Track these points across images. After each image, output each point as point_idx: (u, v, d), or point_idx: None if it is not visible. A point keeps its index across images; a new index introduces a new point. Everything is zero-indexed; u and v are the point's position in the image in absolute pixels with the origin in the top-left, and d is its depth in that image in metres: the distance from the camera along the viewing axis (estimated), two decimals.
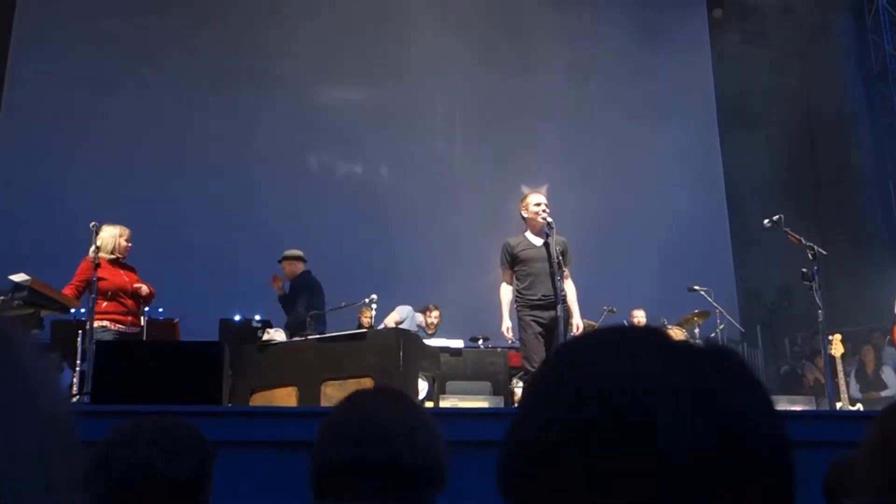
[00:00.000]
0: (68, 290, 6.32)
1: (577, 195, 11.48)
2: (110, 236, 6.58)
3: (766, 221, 6.73)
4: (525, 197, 6.57)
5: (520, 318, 6.29)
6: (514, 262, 6.36)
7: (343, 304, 7.66)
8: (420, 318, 8.91)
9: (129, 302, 6.63)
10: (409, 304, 9.16)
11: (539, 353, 6.12)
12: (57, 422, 0.56)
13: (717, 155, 12.92)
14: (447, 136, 12.60)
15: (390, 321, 8.26)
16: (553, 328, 6.12)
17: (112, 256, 6.58)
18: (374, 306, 7.52)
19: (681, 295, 9.23)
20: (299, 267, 7.89)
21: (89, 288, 6.40)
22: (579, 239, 9.21)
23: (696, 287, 9.08)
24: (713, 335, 9.23)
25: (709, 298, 9.13)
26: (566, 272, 6.34)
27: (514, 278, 6.38)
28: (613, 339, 0.65)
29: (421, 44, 12.19)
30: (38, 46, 11.44)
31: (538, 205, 6.39)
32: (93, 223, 6.37)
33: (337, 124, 12.01)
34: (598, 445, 0.57)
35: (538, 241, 6.37)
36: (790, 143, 12.85)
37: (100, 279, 6.37)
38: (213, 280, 10.56)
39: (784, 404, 7.77)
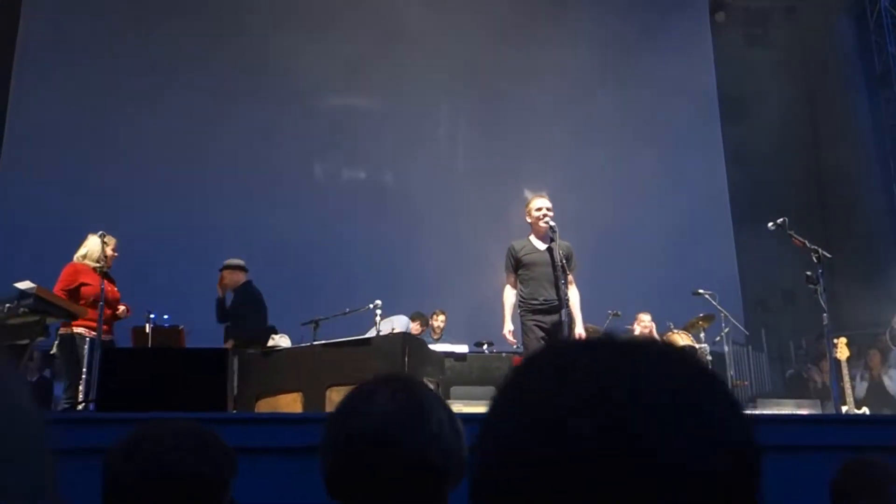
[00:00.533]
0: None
1: (581, 199, 11.47)
2: (97, 245, 6.60)
3: (770, 224, 6.73)
4: (529, 202, 6.60)
5: (522, 323, 6.33)
6: (517, 266, 6.40)
7: (347, 310, 7.66)
8: (411, 325, 8.91)
9: (108, 311, 6.65)
10: (415, 309, 9.18)
11: None
12: (31, 427, 0.56)
13: (720, 158, 12.92)
14: (450, 142, 12.61)
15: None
16: (555, 332, 6.16)
17: (97, 265, 6.60)
18: (378, 312, 7.52)
19: (685, 299, 9.22)
20: (241, 277, 7.65)
21: (74, 294, 6.44)
22: (583, 243, 9.20)
23: (701, 291, 9.07)
24: (718, 339, 9.22)
25: (713, 302, 9.12)
26: (570, 278, 6.36)
27: (518, 282, 6.41)
28: (580, 349, 0.65)
29: (424, 51, 12.21)
30: (48, 54, 11.48)
31: (539, 209, 6.43)
32: (100, 232, 6.39)
33: (341, 132, 12.04)
34: (578, 456, 0.56)
35: (542, 246, 6.41)
36: (794, 145, 12.84)
37: (83, 285, 6.42)
38: (216, 286, 10.56)
39: (790, 408, 7.77)
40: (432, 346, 7.69)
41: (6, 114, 11.31)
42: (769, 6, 13.31)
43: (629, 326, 9.09)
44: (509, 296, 6.45)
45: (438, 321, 9.32)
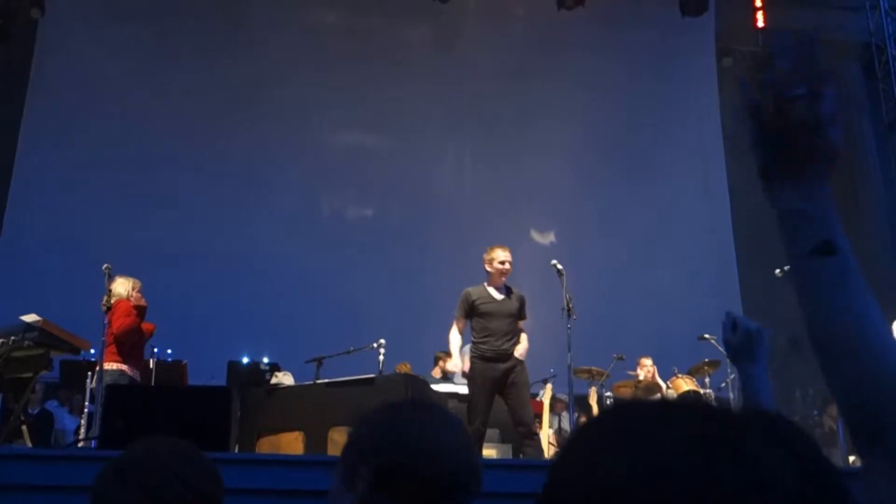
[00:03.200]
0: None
1: (587, 241, 11.51)
2: (122, 288, 6.62)
3: (777, 271, 6.74)
4: (490, 250, 6.56)
5: (471, 370, 6.29)
6: (471, 313, 6.36)
7: (351, 348, 7.63)
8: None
9: (139, 348, 6.71)
10: (420, 348, 9.17)
11: (481, 413, 6.14)
12: None
13: (726, 202, 12.92)
14: (457, 180, 12.65)
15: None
16: (504, 381, 6.17)
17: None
18: (382, 350, 7.48)
19: (691, 343, 9.18)
20: None
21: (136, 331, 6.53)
22: (588, 285, 9.21)
23: (707, 335, 9.02)
24: (723, 385, 9.16)
25: (719, 347, 9.05)
26: (521, 325, 6.39)
27: (472, 329, 6.38)
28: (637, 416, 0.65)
29: (431, 88, 12.32)
30: (59, 89, 11.61)
31: (503, 263, 6.42)
32: (105, 265, 6.40)
33: (347, 168, 12.09)
34: None
35: (499, 296, 6.40)
36: None
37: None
38: (220, 322, 10.57)
39: None
40: (436, 387, 7.65)
41: (17, 143, 11.41)
42: None
43: (631, 372, 9.04)
44: (455, 337, 6.44)
45: (447, 365, 9.27)
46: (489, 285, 6.44)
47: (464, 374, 6.54)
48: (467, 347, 8.82)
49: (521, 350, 6.23)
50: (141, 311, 6.61)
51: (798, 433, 0.62)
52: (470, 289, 6.46)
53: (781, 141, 0.98)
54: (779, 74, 0.97)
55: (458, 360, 6.36)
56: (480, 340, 6.28)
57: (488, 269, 6.46)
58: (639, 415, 0.65)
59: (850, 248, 0.96)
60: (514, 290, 6.45)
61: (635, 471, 0.58)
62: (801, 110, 0.95)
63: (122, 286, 6.61)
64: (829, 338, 0.93)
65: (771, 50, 0.99)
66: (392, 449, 1.35)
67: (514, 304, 6.34)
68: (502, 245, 6.63)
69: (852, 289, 0.94)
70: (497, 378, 6.17)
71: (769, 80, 0.98)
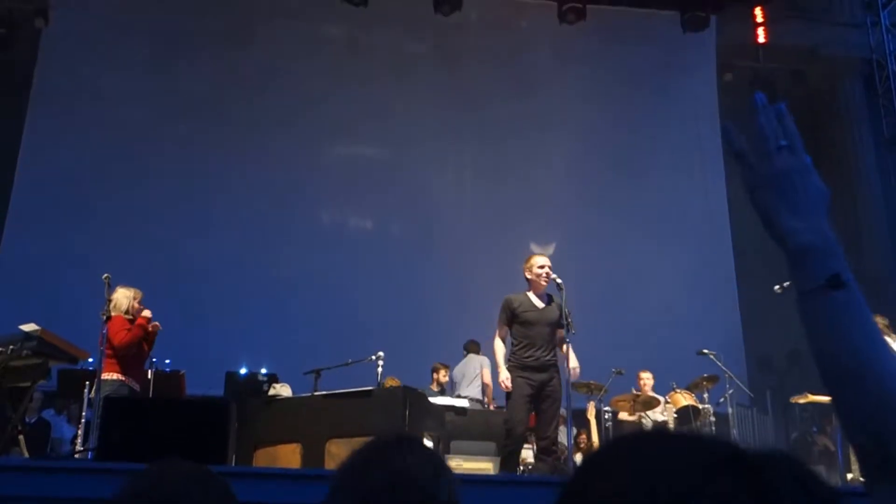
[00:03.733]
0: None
1: (586, 255, 11.49)
2: (124, 297, 6.65)
3: (776, 287, 6.71)
4: (529, 258, 6.56)
5: (511, 379, 6.23)
6: (512, 321, 6.33)
7: (349, 360, 7.62)
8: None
9: (140, 359, 6.72)
10: (419, 361, 9.15)
11: (522, 420, 6.13)
12: None
13: (725, 217, 12.92)
14: (457, 194, 12.65)
15: (487, 378, 8.70)
16: (542, 390, 6.15)
17: (128, 317, 6.66)
18: (380, 363, 7.47)
19: (690, 358, 9.16)
20: None
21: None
22: (587, 299, 9.19)
23: (706, 351, 9.01)
24: (722, 400, 9.14)
25: (718, 363, 9.05)
26: (562, 334, 6.34)
27: (511, 336, 6.35)
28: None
29: (431, 102, 12.35)
30: (62, 99, 11.63)
31: (542, 267, 6.38)
32: (105, 275, 6.39)
33: (348, 179, 12.10)
34: None
35: (540, 304, 6.36)
36: None
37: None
38: (219, 332, 10.55)
39: None
40: (433, 400, 7.64)
41: (17, 157, 11.43)
42: (777, 68, 13.44)
43: (637, 393, 9.00)
44: (500, 346, 6.40)
45: (441, 375, 9.27)
46: (531, 293, 6.40)
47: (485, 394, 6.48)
48: (481, 359, 8.86)
49: (574, 365, 6.16)
50: (142, 321, 6.65)
51: (810, 470, 0.66)
52: (511, 295, 6.41)
53: (778, 183, 1.06)
54: (764, 129, 1.11)
55: (505, 372, 6.23)
56: (521, 348, 6.23)
57: (528, 276, 6.41)
58: (659, 441, 0.67)
59: (855, 281, 0.99)
60: (554, 297, 6.38)
61: (652, 491, 0.61)
62: (787, 158, 1.07)
63: (123, 296, 6.62)
64: (839, 370, 0.96)
65: (753, 107, 1.13)
66: (369, 483, 1.37)
67: (554, 313, 6.29)
68: (542, 252, 6.63)
69: (861, 322, 0.98)
70: (536, 387, 6.13)
71: (759, 131, 1.12)
